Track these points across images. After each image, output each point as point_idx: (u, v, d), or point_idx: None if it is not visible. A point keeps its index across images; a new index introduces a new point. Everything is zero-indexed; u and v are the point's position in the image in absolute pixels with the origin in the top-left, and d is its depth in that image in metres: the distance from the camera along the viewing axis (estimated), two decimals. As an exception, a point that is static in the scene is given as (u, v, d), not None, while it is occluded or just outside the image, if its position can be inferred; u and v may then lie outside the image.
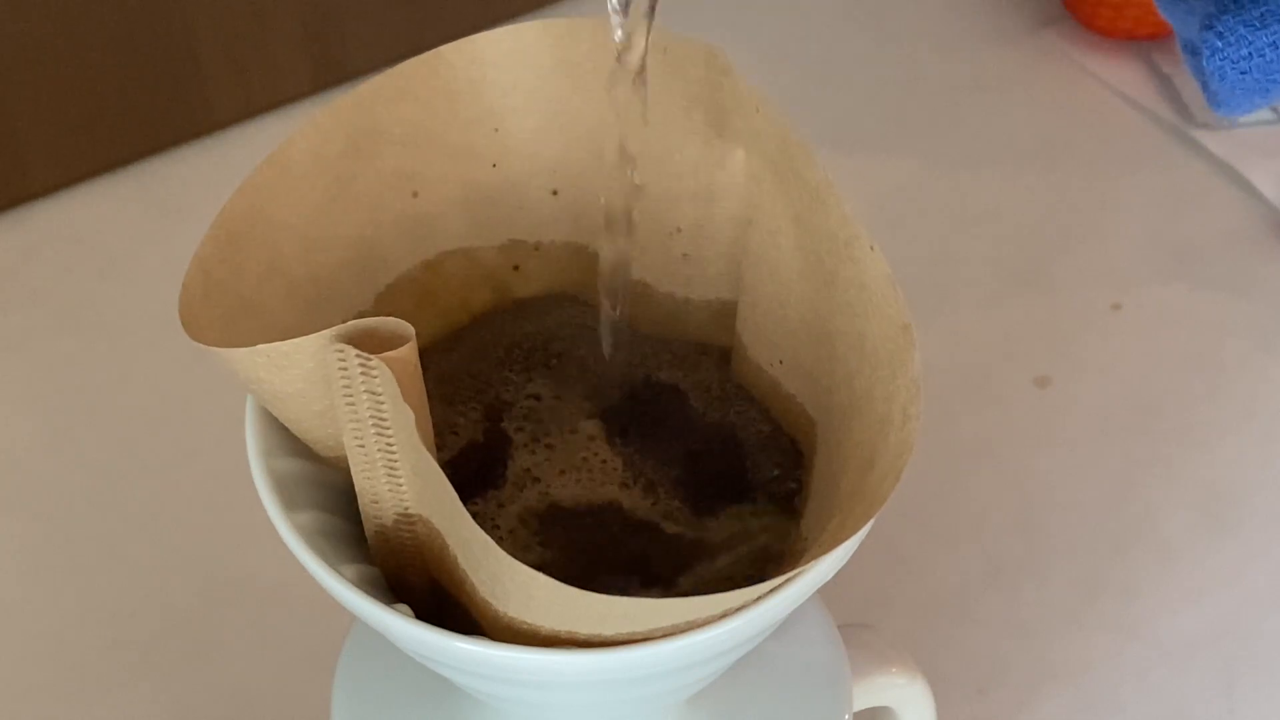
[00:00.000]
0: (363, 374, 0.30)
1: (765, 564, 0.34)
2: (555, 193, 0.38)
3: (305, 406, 0.31)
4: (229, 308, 0.33)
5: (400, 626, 0.30)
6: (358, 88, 0.36)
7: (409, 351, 0.30)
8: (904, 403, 0.32)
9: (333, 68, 0.70)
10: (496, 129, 0.37)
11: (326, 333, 0.30)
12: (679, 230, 0.37)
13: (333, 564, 0.31)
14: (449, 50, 0.37)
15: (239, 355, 0.31)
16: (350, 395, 0.30)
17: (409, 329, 0.30)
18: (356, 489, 0.31)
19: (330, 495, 0.33)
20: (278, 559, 0.34)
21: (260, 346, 0.30)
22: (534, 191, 0.38)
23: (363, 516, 0.32)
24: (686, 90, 0.36)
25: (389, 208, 0.37)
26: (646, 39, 0.33)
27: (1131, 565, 0.55)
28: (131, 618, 0.54)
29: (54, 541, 0.56)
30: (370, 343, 0.30)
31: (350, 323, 0.30)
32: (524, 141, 0.37)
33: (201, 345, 0.31)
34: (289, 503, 0.32)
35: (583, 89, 0.37)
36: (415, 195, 0.37)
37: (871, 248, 0.33)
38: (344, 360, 0.30)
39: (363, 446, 0.31)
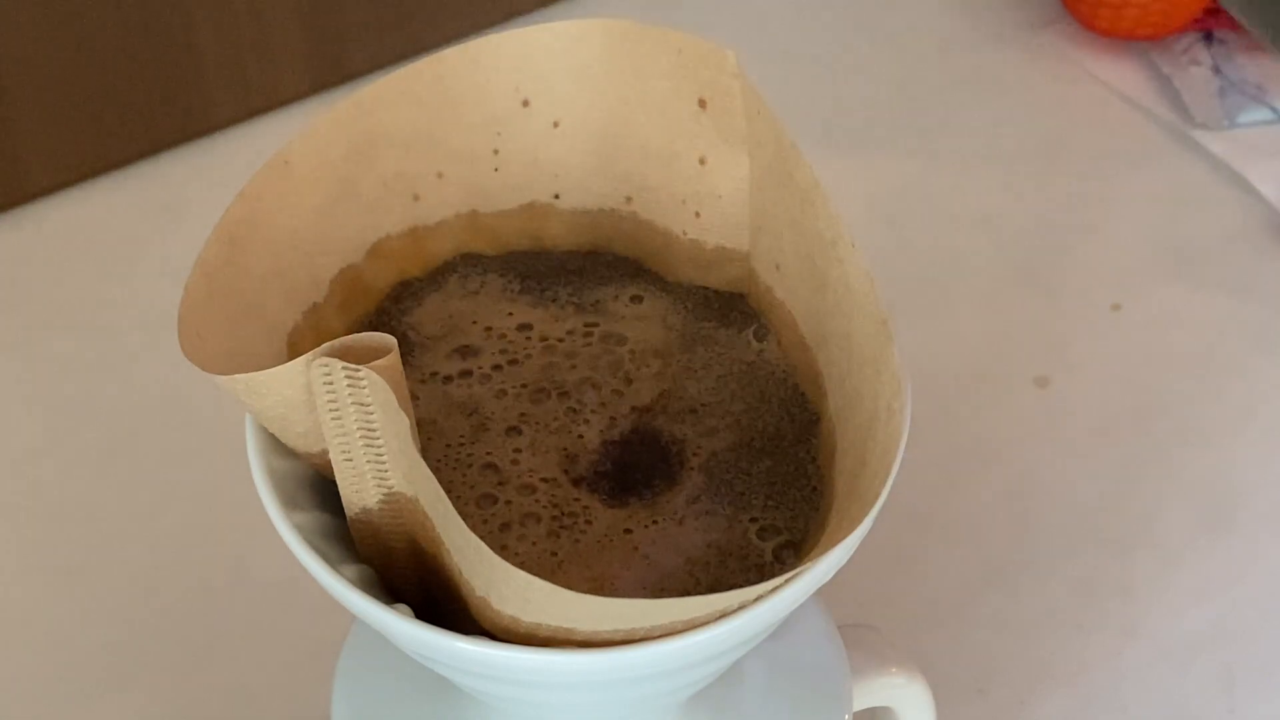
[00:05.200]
0: (349, 386, 0.30)
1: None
2: (558, 196, 0.38)
3: (288, 429, 0.31)
4: (232, 312, 0.33)
5: (400, 626, 0.30)
6: (360, 91, 0.36)
7: (393, 360, 0.30)
8: (888, 399, 0.32)
9: (333, 68, 0.70)
10: (499, 133, 0.37)
11: (304, 357, 0.30)
12: (684, 234, 0.37)
13: (333, 564, 0.31)
14: (452, 54, 0.37)
15: (220, 381, 0.31)
16: (336, 409, 0.30)
17: (390, 340, 0.30)
18: (344, 502, 0.31)
19: (330, 495, 0.33)
20: (278, 559, 0.34)
21: (238, 375, 0.30)
22: (537, 196, 0.38)
23: (351, 528, 0.32)
24: (697, 93, 0.36)
25: (390, 211, 0.37)
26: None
27: (1131, 565, 0.55)
28: (131, 618, 0.54)
29: (54, 541, 0.56)
30: (349, 358, 0.30)
31: (327, 343, 0.30)
32: (527, 146, 0.37)
33: (192, 362, 0.31)
34: (289, 502, 0.32)
35: (588, 92, 0.37)
36: (417, 199, 0.37)
37: (852, 245, 0.33)
38: (329, 375, 0.30)
39: (350, 460, 0.31)
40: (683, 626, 0.30)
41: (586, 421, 0.35)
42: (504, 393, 0.35)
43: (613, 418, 0.35)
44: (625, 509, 0.34)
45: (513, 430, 0.35)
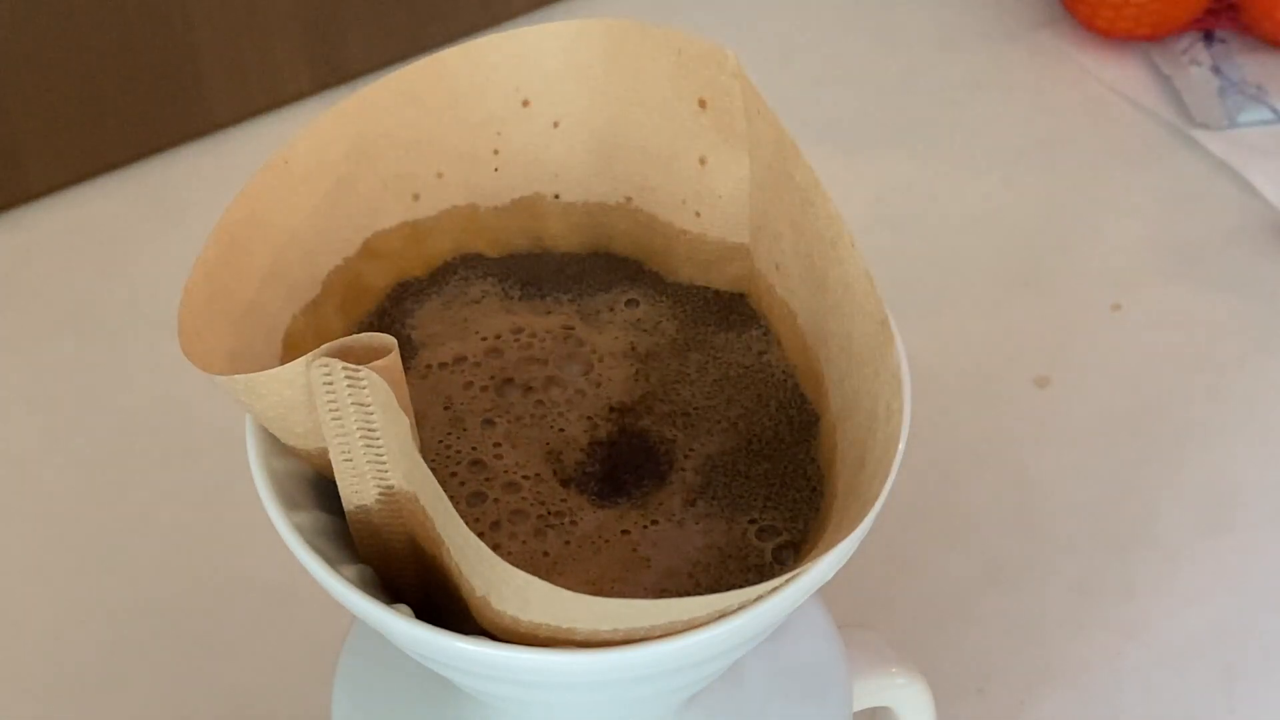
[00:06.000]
0: (349, 386, 0.30)
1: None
2: (558, 196, 0.38)
3: (288, 429, 0.31)
4: (232, 312, 0.33)
5: (400, 626, 0.31)
6: (360, 91, 0.36)
7: (393, 361, 0.30)
8: (887, 399, 0.32)
9: (333, 68, 0.70)
10: (499, 133, 0.37)
11: (304, 358, 0.30)
12: (684, 232, 0.37)
13: (333, 564, 0.31)
14: (452, 54, 0.37)
15: (220, 381, 0.31)
16: (336, 410, 0.30)
17: (390, 340, 0.30)
18: (344, 501, 0.31)
19: (330, 495, 0.33)
20: (278, 559, 0.34)
21: (238, 375, 0.30)
22: (537, 196, 0.38)
23: (351, 527, 0.32)
24: (697, 93, 0.36)
25: (390, 211, 0.37)
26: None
27: (1131, 565, 0.55)
28: (131, 617, 0.54)
29: (54, 541, 0.56)
30: (349, 359, 0.30)
31: (327, 343, 0.30)
32: (527, 145, 0.37)
33: (192, 363, 0.31)
34: (289, 503, 0.32)
35: (588, 92, 0.37)
36: (416, 198, 0.37)
37: (852, 244, 0.33)
38: (329, 375, 0.30)
39: (350, 460, 0.31)
40: (682, 627, 0.30)
41: (562, 415, 0.35)
42: (470, 384, 0.35)
43: (589, 417, 0.35)
44: (615, 509, 0.34)
45: (488, 423, 0.35)
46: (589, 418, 0.35)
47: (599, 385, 0.36)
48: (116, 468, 0.58)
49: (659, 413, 0.35)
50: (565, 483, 0.34)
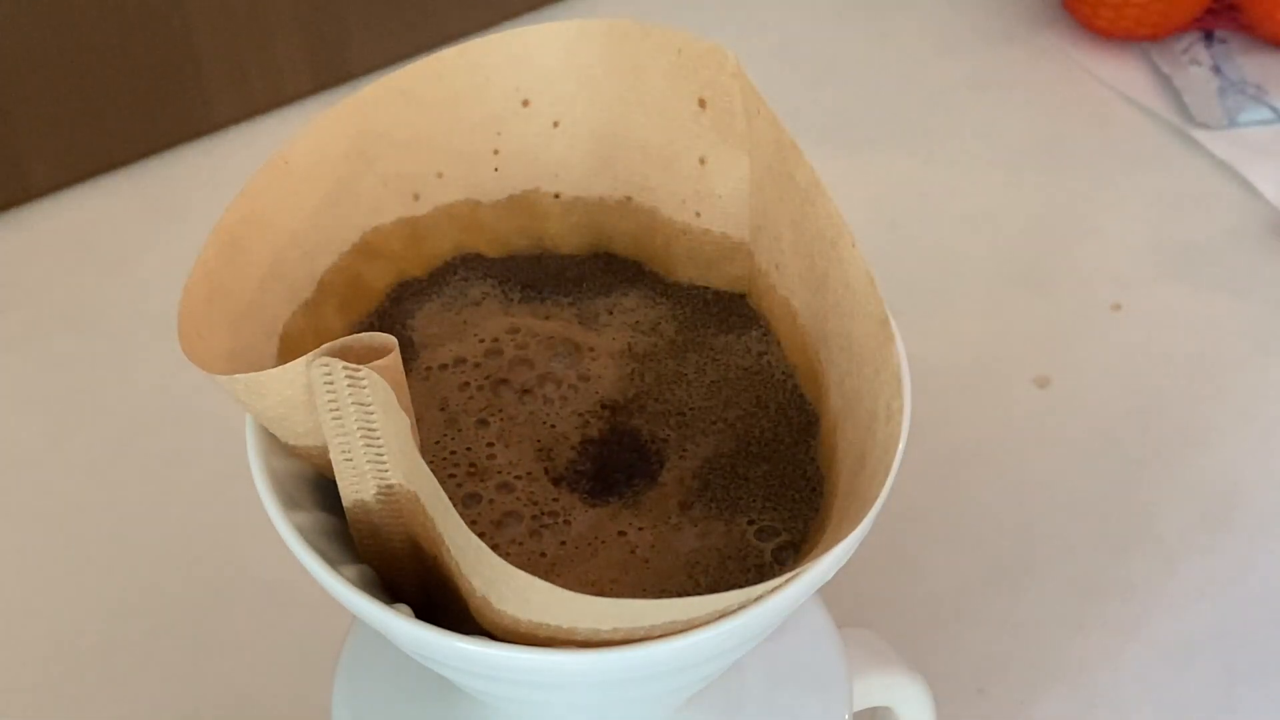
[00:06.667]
0: (350, 386, 0.30)
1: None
2: (558, 196, 0.38)
3: (289, 429, 0.31)
4: (232, 312, 0.33)
5: (400, 626, 0.31)
6: (360, 90, 0.36)
7: (393, 361, 0.30)
8: (887, 399, 0.32)
9: (333, 68, 0.70)
10: (499, 132, 0.37)
11: (304, 357, 0.30)
12: (684, 232, 0.37)
13: (333, 564, 0.31)
14: (452, 54, 0.37)
15: (220, 381, 0.31)
16: (337, 410, 0.30)
17: (390, 340, 0.30)
18: (344, 501, 0.31)
19: (330, 495, 0.33)
20: (278, 559, 0.34)
21: (238, 375, 0.30)
22: (536, 195, 0.38)
23: (351, 527, 0.32)
24: (697, 93, 0.36)
25: (390, 211, 0.37)
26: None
27: (1131, 565, 0.55)
28: (131, 616, 0.54)
29: (54, 541, 0.56)
30: (349, 358, 0.30)
31: (327, 343, 0.30)
32: (527, 145, 0.37)
33: (192, 362, 0.31)
34: (289, 502, 0.32)
35: (588, 92, 0.37)
36: (416, 198, 0.37)
37: (853, 244, 0.33)
38: (330, 375, 0.30)
39: (350, 460, 0.31)
40: (683, 627, 0.30)
41: (555, 412, 0.35)
42: (467, 384, 0.35)
43: (580, 414, 0.35)
44: (606, 508, 0.34)
45: (481, 423, 0.35)
46: (580, 414, 0.35)
47: (590, 382, 0.36)
48: (117, 467, 0.58)
49: (652, 412, 0.35)
50: (556, 481, 0.34)
